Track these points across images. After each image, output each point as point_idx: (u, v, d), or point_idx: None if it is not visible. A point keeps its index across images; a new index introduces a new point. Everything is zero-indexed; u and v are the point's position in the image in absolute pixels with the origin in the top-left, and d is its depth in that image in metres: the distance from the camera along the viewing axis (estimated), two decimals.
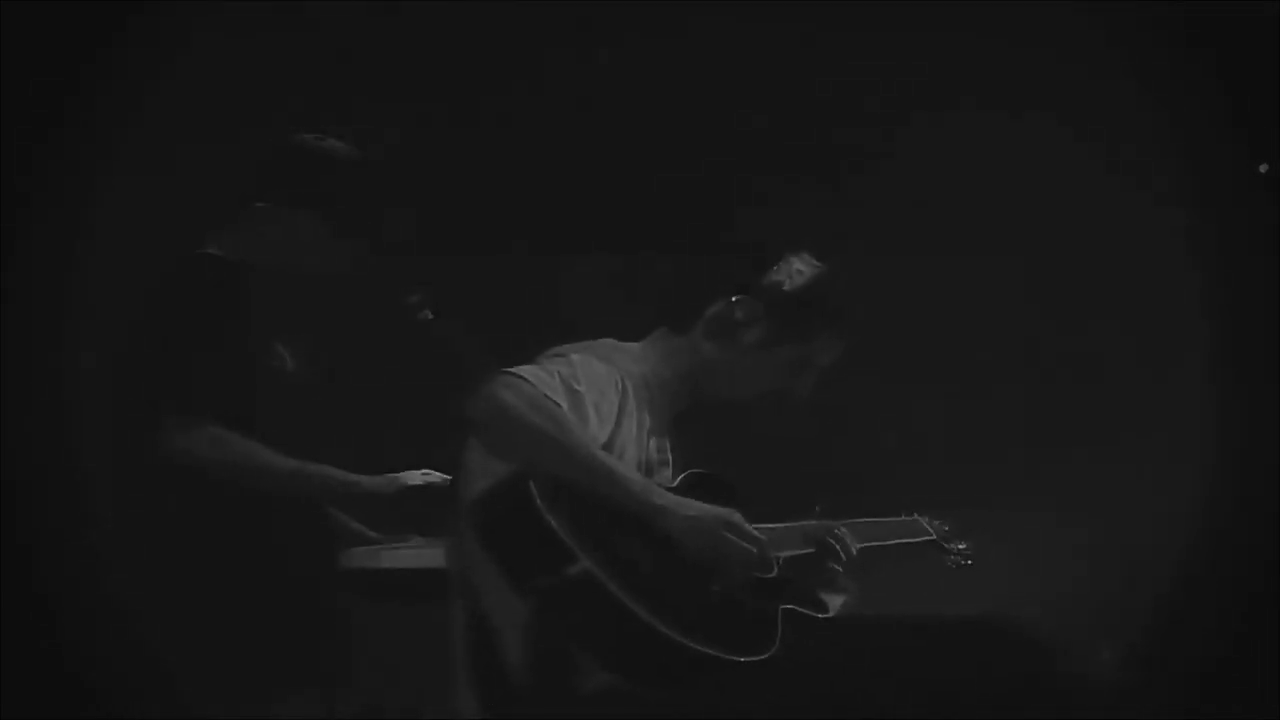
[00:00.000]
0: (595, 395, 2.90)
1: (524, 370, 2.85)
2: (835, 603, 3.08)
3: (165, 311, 3.37)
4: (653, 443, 3.06)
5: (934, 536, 3.39)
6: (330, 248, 3.48)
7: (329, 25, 4.43)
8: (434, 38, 4.55)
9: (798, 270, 3.12)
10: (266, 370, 3.40)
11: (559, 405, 2.81)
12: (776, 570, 2.94)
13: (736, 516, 2.85)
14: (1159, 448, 4.56)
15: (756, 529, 2.87)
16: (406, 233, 3.69)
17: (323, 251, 3.48)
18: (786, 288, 3.11)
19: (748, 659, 2.70)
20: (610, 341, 3.12)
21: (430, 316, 3.31)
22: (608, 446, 2.90)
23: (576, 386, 2.87)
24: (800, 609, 2.91)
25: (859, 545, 3.13)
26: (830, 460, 4.63)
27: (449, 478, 3.28)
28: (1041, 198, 4.70)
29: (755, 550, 2.84)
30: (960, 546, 3.41)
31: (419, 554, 3.37)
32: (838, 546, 3.09)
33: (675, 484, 2.97)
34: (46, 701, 3.27)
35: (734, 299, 3.11)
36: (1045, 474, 4.68)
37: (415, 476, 3.41)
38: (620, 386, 2.99)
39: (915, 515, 3.40)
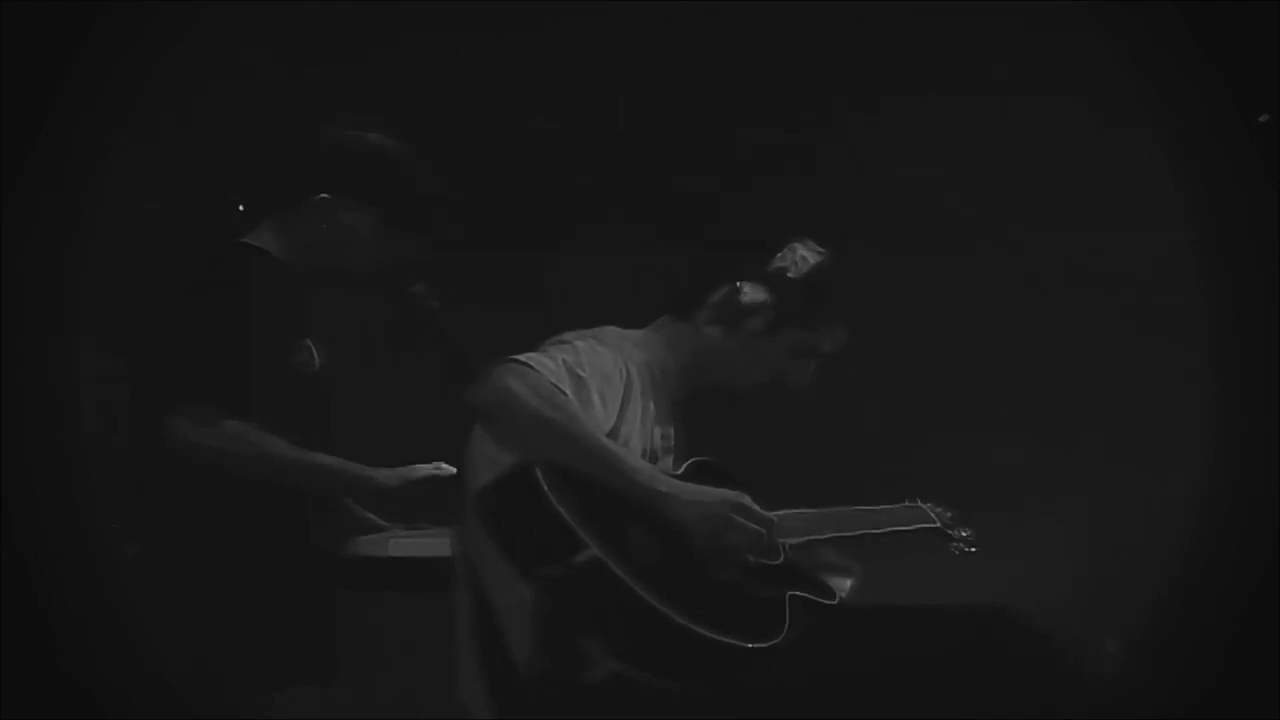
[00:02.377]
0: (600, 382, 2.90)
1: (528, 357, 2.86)
2: (844, 586, 3.09)
3: (193, 302, 3.36)
4: (657, 430, 3.06)
5: (938, 524, 3.39)
6: (382, 244, 3.48)
7: (329, 25, 4.44)
8: (434, 37, 4.57)
9: (802, 257, 3.13)
10: (290, 366, 3.39)
11: (564, 393, 2.82)
12: (783, 557, 2.94)
13: (745, 498, 2.86)
14: (1163, 440, 4.57)
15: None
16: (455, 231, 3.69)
17: (373, 247, 3.48)
18: (791, 274, 3.12)
19: (756, 645, 2.70)
20: (614, 329, 3.12)
21: (436, 305, 3.31)
22: (612, 434, 2.91)
23: (581, 373, 2.88)
24: (808, 596, 2.90)
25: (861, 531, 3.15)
26: (832, 450, 4.63)
27: (455, 470, 3.28)
28: (1043, 196, 4.71)
29: (764, 532, 2.84)
30: (964, 533, 3.40)
31: (426, 543, 3.36)
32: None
33: (680, 471, 2.97)
34: (45, 701, 3.25)
35: (739, 284, 3.11)
36: (1048, 465, 4.68)
37: (424, 469, 3.40)
38: (625, 373, 2.99)
39: (919, 502, 3.40)
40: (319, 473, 3.34)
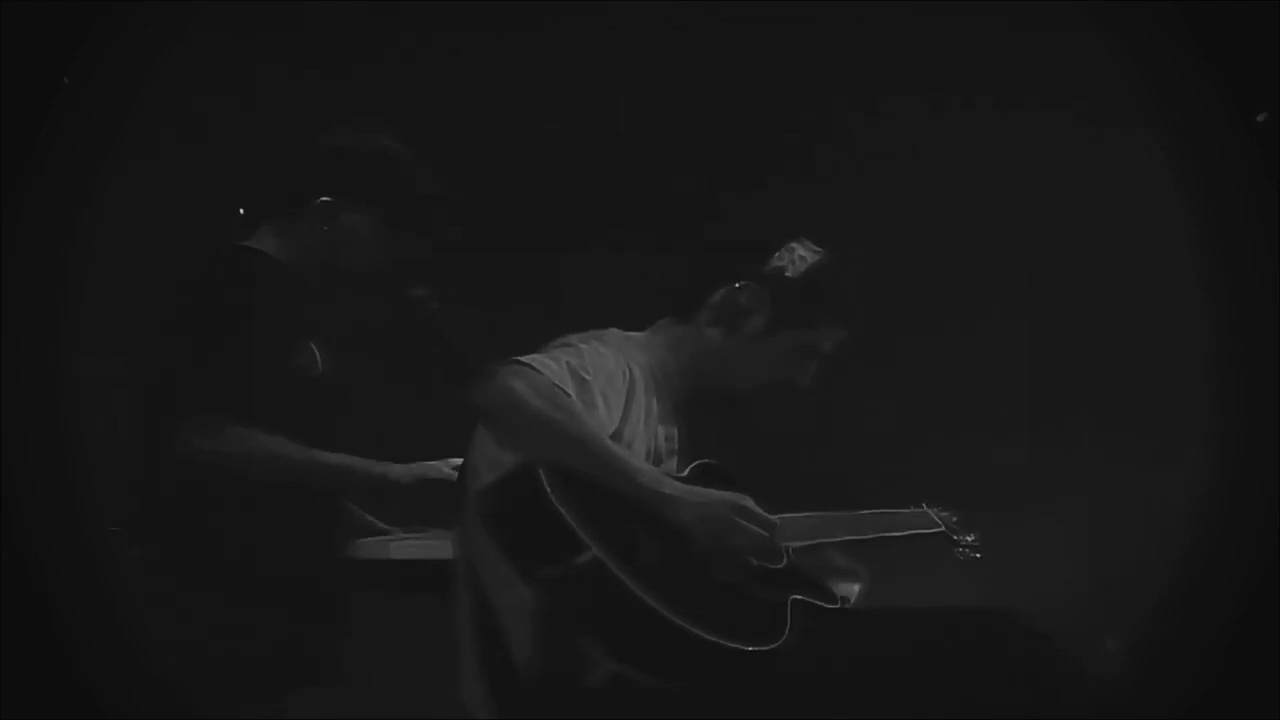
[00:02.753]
0: (603, 384, 2.90)
1: (532, 359, 2.85)
2: (852, 591, 3.09)
3: (194, 305, 3.36)
4: (660, 432, 3.06)
5: (943, 528, 3.38)
6: (382, 245, 3.47)
7: (329, 25, 4.44)
8: (434, 37, 4.57)
9: (800, 257, 3.13)
10: (294, 370, 3.38)
11: (567, 394, 2.81)
12: (786, 560, 2.94)
13: (747, 501, 2.86)
14: (1163, 440, 4.57)
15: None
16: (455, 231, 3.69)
17: (373, 249, 3.47)
18: (789, 274, 3.12)
19: (756, 648, 2.70)
20: (616, 331, 3.13)
21: (436, 308, 3.31)
22: (616, 436, 2.90)
23: (585, 375, 2.87)
24: (810, 599, 2.90)
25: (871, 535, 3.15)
26: (833, 451, 4.64)
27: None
28: (1043, 196, 4.72)
29: (767, 535, 2.84)
30: (969, 538, 3.39)
31: (428, 545, 3.36)
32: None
33: (684, 473, 2.97)
34: (46, 702, 3.25)
35: (737, 285, 3.11)
36: (1048, 466, 4.69)
37: (438, 469, 3.39)
38: (628, 375, 2.99)
39: (924, 507, 3.39)
40: (331, 471, 3.32)
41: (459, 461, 3.25)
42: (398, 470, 3.38)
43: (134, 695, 3.14)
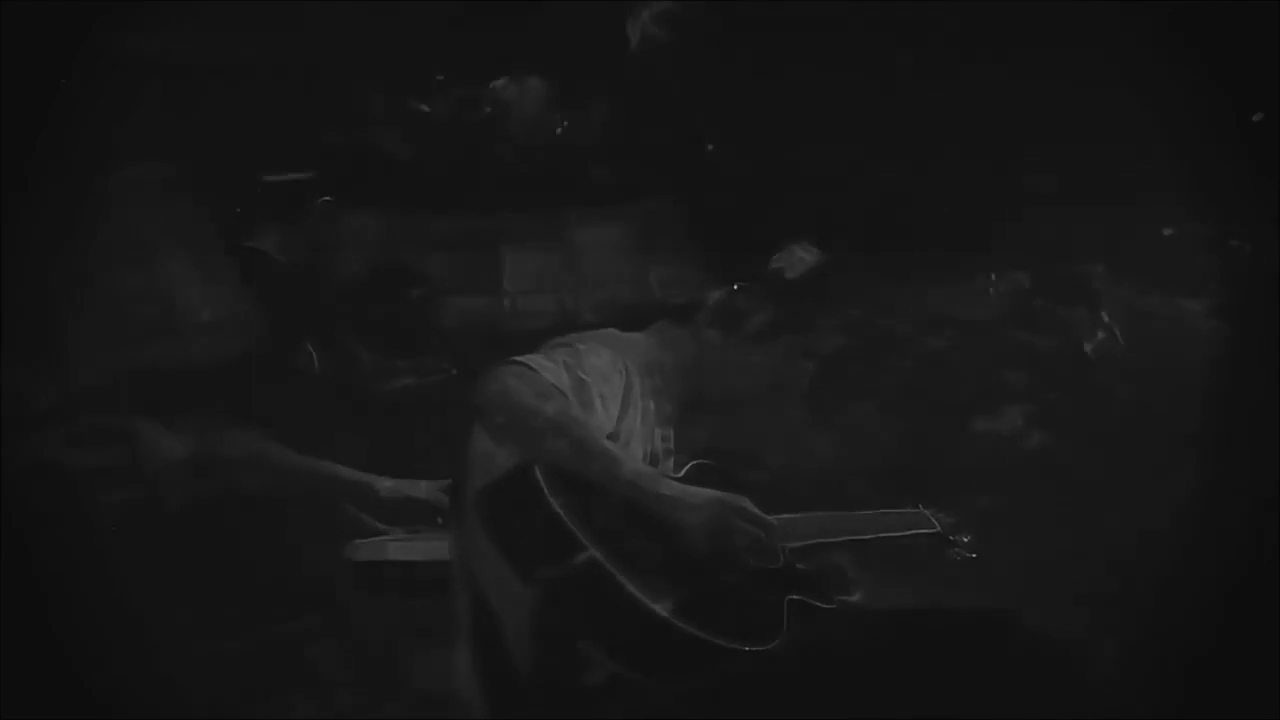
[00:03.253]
0: (601, 385, 2.90)
1: (530, 359, 2.86)
2: (851, 592, 3.09)
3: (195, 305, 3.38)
4: (658, 432, 3.06)
5: (938, 529, 3.37)
6: (383, 246, 3.49)
7: (329, 24, 4.44)
8: (436, 35, 4.57)
9: (800, 258, 3.13)
10: (293, 370, 3.40)
11: (564, 394, 2.82)
12: (783, 560, 2.94)
13: (745, 501, 2.85)
14: (1163, 440, 4.57)
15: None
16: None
17: (375, 250, 3.49)
18: (789, 276, 3.12)
19: (753, 649, 2.70)
20: (614, 331, 3.12)
21: (436, 308, 3.33)
22: (613, 436, 2.90)
23: (582, 376, 2.88)
24: (806, 599, 2.91)
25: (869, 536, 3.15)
26: (831, 453, 4.63)
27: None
28: (1042, 195, 4.72)
29: (764, 535, 2.84)
30: (964, 539, 3.39)
31: (426, 546, 3.36)
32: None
33: (681, 474, 2.97)
34: (46, 701, 3.26)
35: (736, 287, 3.12)
36: (1048, 466, 4.68)
37: (422, 493, 3.41)
38: (625, 376, 2.99)
39: (919, 508, 3.39)
40: (318, 478, 3.34)
41: (445, 483, 3.27)
42: (384, 486, 3.40)
43: (134, 695, 3.15)
